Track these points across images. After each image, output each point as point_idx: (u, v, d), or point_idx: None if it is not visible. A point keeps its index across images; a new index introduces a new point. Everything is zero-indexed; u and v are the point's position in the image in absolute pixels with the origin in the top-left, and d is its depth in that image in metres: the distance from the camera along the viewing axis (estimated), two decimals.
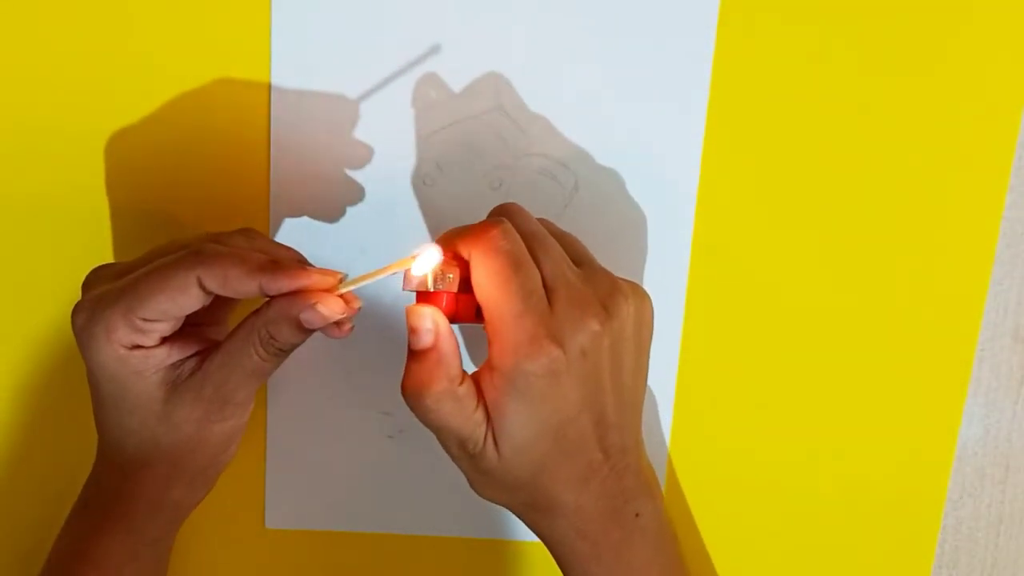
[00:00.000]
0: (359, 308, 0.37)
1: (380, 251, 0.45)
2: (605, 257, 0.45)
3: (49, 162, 0.44)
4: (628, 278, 0.46)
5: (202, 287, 0.36)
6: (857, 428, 0.47)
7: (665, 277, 0.46)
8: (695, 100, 0.44)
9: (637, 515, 0.39)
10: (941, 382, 0.47)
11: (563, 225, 0.45)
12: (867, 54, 0.44)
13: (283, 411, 0.47)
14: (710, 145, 0.45)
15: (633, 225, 0.45)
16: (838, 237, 0.45)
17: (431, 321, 0.36)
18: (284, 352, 0.37)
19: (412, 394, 0.36)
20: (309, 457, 0.47)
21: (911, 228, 0.45)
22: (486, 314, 0.37)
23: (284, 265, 0.36)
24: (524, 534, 0.48)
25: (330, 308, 0.36)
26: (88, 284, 0.39)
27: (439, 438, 0.38)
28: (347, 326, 0.38)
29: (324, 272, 0.36)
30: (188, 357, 0.38)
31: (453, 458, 0.38)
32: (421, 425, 0.37)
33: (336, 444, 0.47)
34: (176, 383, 0.38)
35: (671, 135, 0.44)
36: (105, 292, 0.37)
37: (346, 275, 0.38)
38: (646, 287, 0.43)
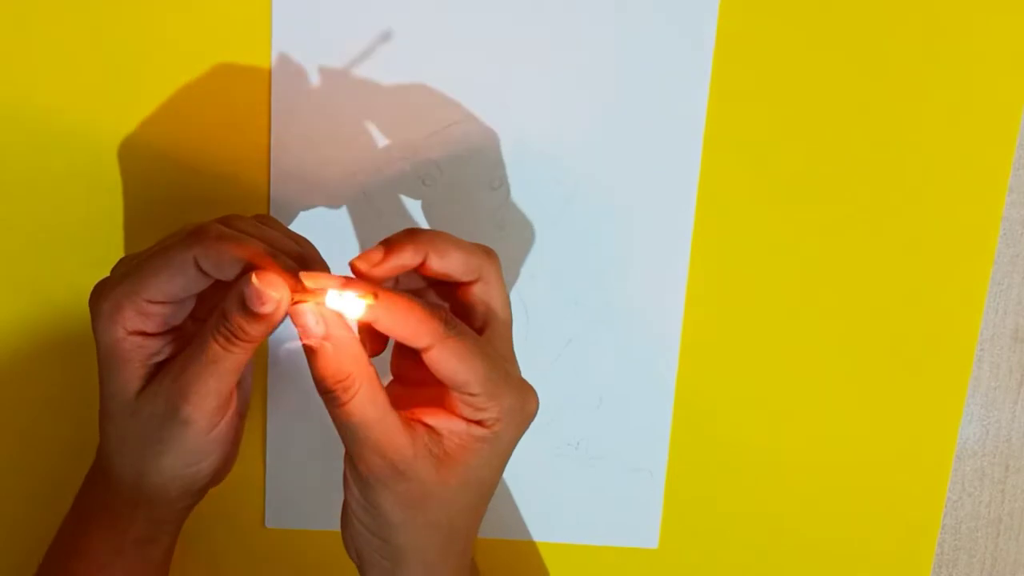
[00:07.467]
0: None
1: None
2: (604, 258, 0.45)
3: (47, 158, 0.44)
4: (628, 278, 0.46)
5: (199, 268, 0.35)
6: (857, 427, 0.47)
7: (665, 276, 0.46)
8: (695, 100, 0.44)
9: None
10: (941, 381, 0.47)
11: (563, 225, 0.45)
12: (867, 54, 0.44)
13: (283, 411, 0.47)
14: (710, 145, 0.45)
15: (633, 225, 0.45)
16: (838, 237, 0.45)
17: (317, 315, 0.34)
18: (240, 341, 0.35)
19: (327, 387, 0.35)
20: (309, 457, 0.47)
21: (911, 227, 0.45)
22: (466, 388, 0.35)
23: (276, 263, 0.34)
24: (523, 534, 0.48)
25: (265, 283, 0.33)
26: (112, 270, 0.38)
27: (356, 447, 0.36)
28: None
29: (319, 276, 0.34)
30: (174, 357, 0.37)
31: (360, 475, 0.37)
32: None
33: (336, 444, 0.47)
34: (150, 379, 0.37)
35: (671, 135, 0.44)
36: (116, 275, 0.37)
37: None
38: (646, 287, 0.43)
